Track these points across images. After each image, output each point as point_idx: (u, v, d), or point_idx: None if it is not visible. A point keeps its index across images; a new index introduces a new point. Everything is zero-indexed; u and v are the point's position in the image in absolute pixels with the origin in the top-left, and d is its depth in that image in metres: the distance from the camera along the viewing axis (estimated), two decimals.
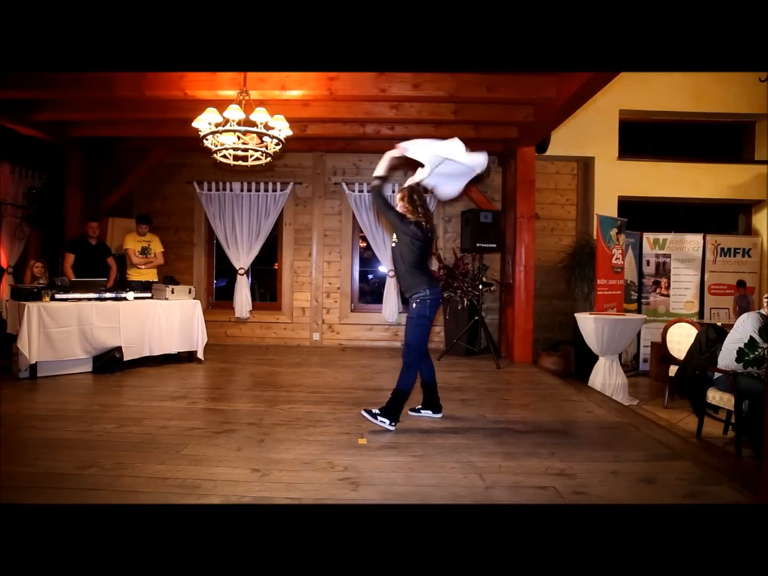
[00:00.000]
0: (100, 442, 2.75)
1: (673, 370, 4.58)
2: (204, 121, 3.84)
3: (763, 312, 3.59)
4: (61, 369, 4.33)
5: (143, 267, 5.53)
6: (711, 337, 3.85)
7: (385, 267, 6.59)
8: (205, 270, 6.83)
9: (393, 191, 6.24)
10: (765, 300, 3.62)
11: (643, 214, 7.09)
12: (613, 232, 5.91)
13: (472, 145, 3.02)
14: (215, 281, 7.02)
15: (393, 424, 3.05)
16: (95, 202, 6.29)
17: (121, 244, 5.71)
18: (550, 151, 6.15)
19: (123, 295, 4.74)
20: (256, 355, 5.86)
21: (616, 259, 5.94)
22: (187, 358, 5.13)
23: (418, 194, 3.11)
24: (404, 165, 3.21)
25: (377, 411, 3.09)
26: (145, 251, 5.55)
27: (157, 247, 5.64)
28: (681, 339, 4.81)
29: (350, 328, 6.72)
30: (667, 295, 6.72)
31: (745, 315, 3.63)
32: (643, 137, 6.96)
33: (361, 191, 6.54)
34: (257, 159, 4.12)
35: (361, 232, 6.70)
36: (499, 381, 4.67)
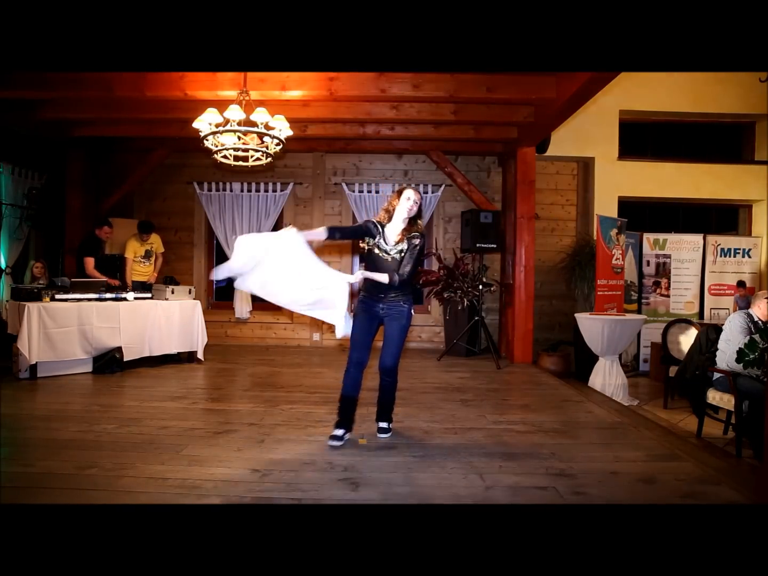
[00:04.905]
0: (100, 442, 2.75)
1: (673, 370, 4.58)
2: (204, 122, 3.84)
3: (751, 311, 3.59)
4: (61, 369, 4.32)
5: (153, 277, 5.60)
6: (711, 337, 3.85)
7: None
8: (205, 270, 6.81)
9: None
10: (765, 299, 3.61)
11: (643, 215, 7.09)
12: (613, 232, 5.90)
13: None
14: (215, 281, 7.02)
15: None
16: (95, 202, 6.29)
17: (121, 243, 5.71)
18: (550, 151, 6.15)
19: (123, 295, 4.74)
20: (257, 355, 5.85)
21: (616, 259, 5.94)
22: (187, 358, 5.13)
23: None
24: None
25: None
26: (148, 254, 5.57)
27: (159, 248, 5.67)
28: (681, 339, 4.82)
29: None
30: (667, 296, 6.72)
31: (731, 315, 3.64)
32: (643, 137, 6.96)
33: (361, 191, 6.54)
34: (258, 159, 4.12)
35: None
36: (499, 381, 4.67)
